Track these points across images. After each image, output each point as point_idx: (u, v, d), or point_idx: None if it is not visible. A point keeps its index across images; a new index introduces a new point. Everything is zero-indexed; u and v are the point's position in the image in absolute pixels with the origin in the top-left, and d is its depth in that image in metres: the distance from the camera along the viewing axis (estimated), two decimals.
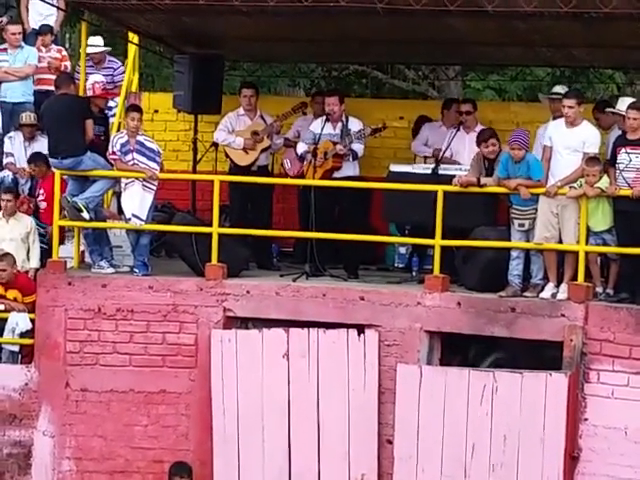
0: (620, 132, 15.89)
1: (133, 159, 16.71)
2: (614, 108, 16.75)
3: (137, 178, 16.67)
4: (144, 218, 16.59)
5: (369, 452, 15.40)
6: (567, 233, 15.26)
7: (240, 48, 19.97)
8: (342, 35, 18.48)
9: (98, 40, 19.15)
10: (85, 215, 16.32)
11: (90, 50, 18.87)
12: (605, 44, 17.69)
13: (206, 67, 18.50)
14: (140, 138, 16.90)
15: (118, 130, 18.26)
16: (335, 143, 16.97)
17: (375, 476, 15.31)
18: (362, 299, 15.66)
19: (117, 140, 16.83)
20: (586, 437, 14.64)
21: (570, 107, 15.45)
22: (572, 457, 14.68)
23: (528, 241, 15.66)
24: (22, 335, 16.26)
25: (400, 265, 17.63)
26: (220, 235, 16.08)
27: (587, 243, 15.18)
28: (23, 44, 18.99)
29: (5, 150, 18.60)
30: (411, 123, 18.81)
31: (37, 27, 19.36)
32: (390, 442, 15.32)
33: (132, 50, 19.36)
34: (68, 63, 18.75)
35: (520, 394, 14.76)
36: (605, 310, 14.83)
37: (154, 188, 16.77)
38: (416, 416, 15.13)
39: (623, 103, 15.98)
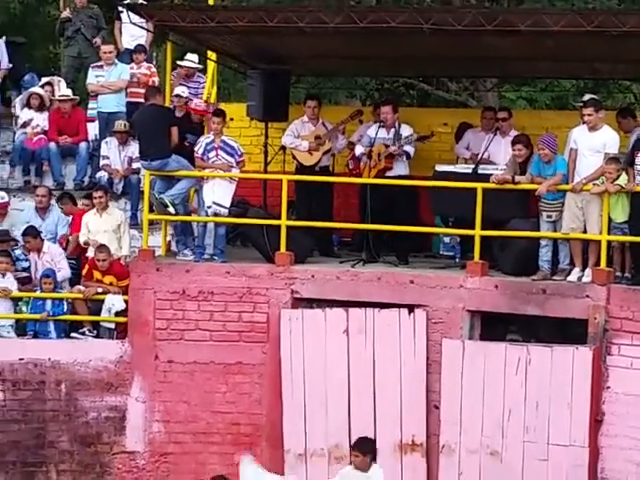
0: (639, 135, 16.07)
1: (217, 155, 16.91)
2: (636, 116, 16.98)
3: (220, 169, 16.84)
4: (227, 206, 16.80)
5: (419, 416, 15.56)
6: (591, 224, 15.38)
7: (304, 64, 19.99)
8: (393, 52, 18.51)
9: (195, 57, 19.36)
10: (171, 210, 16.53)
11: (187, 64, 19.25)
12: (624, 58, 17.68)
13: (275, 81, 18.42)
14: (224, 137, 17.12)
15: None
16: (387, 146, 17.09)
17: (424, 437, 15.47)
18: (412, 282, 15.88)
19: (203, 141, 17.06)
20: (608, 403, 14.82)
21: (589, 115, 15.66)
22: (596, 420, 14.84)
23: (556, 231, 15.77)
24: (117, 314, 16.52)
25: (445, 253, 17.62)
26: (288, 227, 16.27)
27: (609, 233, 15.29)
28: (117, 61, 19.05)
29: (102, 154, 18.62)
30: (454, 129, 18.84)
31: (130, 47, 19.42)
32: (437, 407, 15.51)
33: (211, 66, 19.39)
34: (156, 78, 18.79)
35: (550, 365, 14.93)
36: (625, 292, 15.01)
37: (235, 180, 16.97)
38: (459, 385, 15.33)
39: None
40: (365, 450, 12.72)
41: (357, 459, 12.61)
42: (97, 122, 19.15)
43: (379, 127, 17.25)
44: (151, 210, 16.84)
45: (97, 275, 16.79)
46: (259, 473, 13.74)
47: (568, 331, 15.53)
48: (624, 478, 14.74)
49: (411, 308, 15.70)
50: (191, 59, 19.43)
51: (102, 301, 16.64)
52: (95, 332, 16.80)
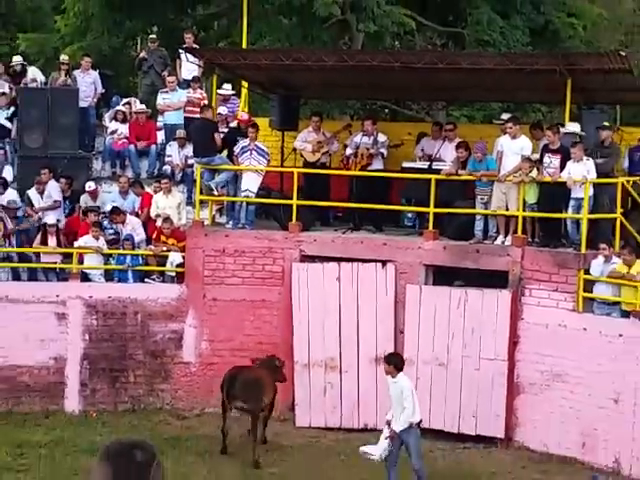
0: (545, 142, 16.14)
1: (251, 154, 16.84)
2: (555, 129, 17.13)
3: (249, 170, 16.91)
4: (254, 191, 16.80)
5: (389, 338, 15.64)
6: (511, 204, 15.55)
7: (309, 90, 19.91)
8: (372, 82, 18.63)
9: (229, 86, 19.20)
10: (215, 192, 16.76)
11: (223, 92, 19.10)
12: (535, 87, 17.68)
13: (288, 102, 18.24)
14: (257, 143, 17.10)
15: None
16: (368, 149, 17.06)
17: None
18: (384, 244, 16.04)
19: (241, 144, 17.00)
20: (522, 330, 15.00)
21: (510, 127, 15.97)
22: (514, 342, 14.97)
23: (487, 209, 15.86)
24: (177, 266, 16.59)
25: (408, 224, 17.52)
26: (297, 205, 16.33)
27: (523, 210, 15.38)
28: (178, 88, 19.10)
29: (167, 153, 18.62)
30: (414, 137, 18.54)
31: (187, 78, 19.37)
32: (402, 332, 15.56)
33: (244, 92, 19.42)
34: (206, 100, 18.81)
35: (482, 303, 15.17)
36: (534, 252, 15.17)
37: (262, 173, 16.93)
38: (418, 316, 15.44)
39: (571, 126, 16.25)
40: (390, 361, 12.81)
41: (385, 367, 12.78)
42: (163, 131, 19.14)
43: (363, 135, 17.29)
44: (201, 192, 16.87)
45: (163, 238, 16.84)
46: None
47: (494, 279, 15.42)
48: (531, 381, 14.87)
49: (384, 263, 15.82)
50: (226, 87, 19.31)
51: (166, 257, 16.74)
52: (161, 278, 16.91)
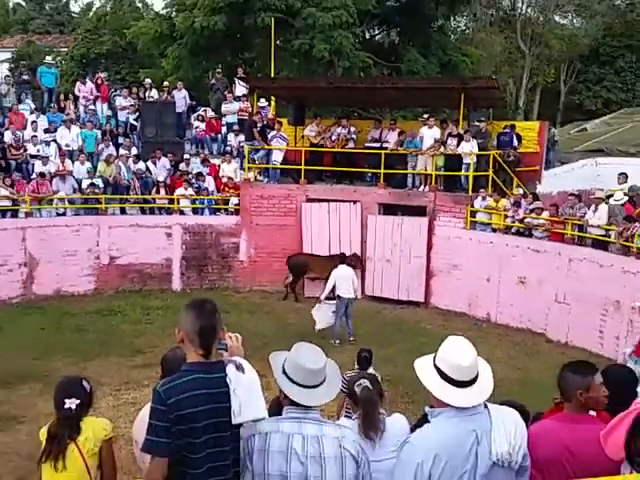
0: (449, 131, 16.08)
1: (277, 140, 16.90)
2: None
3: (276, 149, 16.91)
4: (280, 160, 16.79)
5: (357, 247, 15.67)
6: (429, 167, 15.55)
7: (312, 101, 19.47)
8: (347, 96, 18.44)
9: (263, 99, 19.14)
10: (256, 162, 16.79)
11: (260, 104, 19.03)
12: (447, 98, 17.33)
13: (299, 108, 18.11)
14: (280, 132, 17.03)
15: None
16: (345, 136, 17.00)
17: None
18: (355, 191, 16.06)
19: (270, 134, 16.94)
20: (434, 240, 15.17)
21: (430, 122, 16.00)
22: (429, 247, 15.15)
23: (415, 169, 15.88)
24: (235, 205, 16.56)
25: (369, 180, 17.03)
26: (304, 169, 16.31)
27: (436, 171, 15.46)
28: (233, 101, 18.98)
29: (228, 140, 18.55)
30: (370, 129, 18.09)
31: (239, 94, 19.26)
32: (365, 242, 15.60)
33: (273, 102, 19.25)
34: (250, 109, 18.69)
35: (411, 225, 15.22)
36: (441, 195, 15.27)
37: (283, 151, 16.85)
38: (374, 235, 15.53)
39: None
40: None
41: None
42: (225, 127, 19.02)
43: (342, 127, 17.15)
44: (247, 162, 16.69)
45: (226, 189, 16.86)
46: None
47: (418, 211, 15.40)
48: (439, 269, 15.12)
49: (355, 202, 15.81)
50: (262, 101, 19.05)
51: (228, 200, 16.72)
52: (226, 212, 16.83)
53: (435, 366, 2.76)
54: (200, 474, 2.68)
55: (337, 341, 12.36)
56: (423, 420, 3.01)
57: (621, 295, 11.57)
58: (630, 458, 2.53)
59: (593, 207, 12.91)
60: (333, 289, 12.52)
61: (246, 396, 2.79)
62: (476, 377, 2.72)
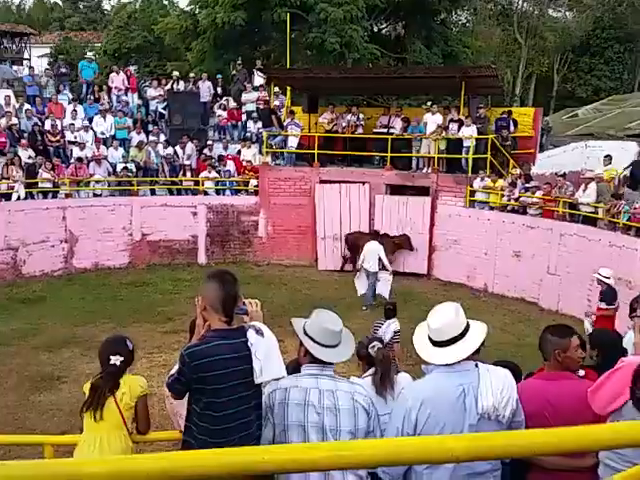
0: (450, 117, 15.99)
1: (292, 127, 16.73)
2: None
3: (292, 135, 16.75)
4: (295, 146, 16.67)
5: (365, 224, 15.59)
6: (432, 151, 15.41)
7: (324, 90, 19.26)
8: (357, 85, 18.29)
9: (276, 88, 18.74)
10: (274, 147, 16.66)
11: (275, 91, 18.78)
12: (447, 87, 17.34)
13: (312, 97, 18.07)
14: (295, 120, 16.85)
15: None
16: (355, 122, 16.87)
17: (368, 228, 15.49)
18: (364, 173, 15.93)
19: (287, 121, 16.83)
20: (436, 217, 15.11)
21: (433, 109, 15.91)
22: (432, 224, 15.08)
23: (419, 153, 15.77)
24: (254, 186, 16.43)
25: (376, 162, 16.72)
26: (318, 153, 16.20)
27: (438, 154, 15.39)
28: (252, 91, 18.86)
29: (247, 127, 18.49)
30: (378, 115, 17.87)
31: (257, 85, 19.16)
32: (373, 219, 15.48)
33: (288, 91, 18.86)
34: (267, 98, 18.53)
35: (416, 204, 15.14)
36: (443, 176, 15.14)
37: (298, 136, 16.70)
38: (382, 212, 15.42)
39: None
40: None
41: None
42: (245, 114, 18.87)
43: (352, 115, 17.04)
44: (266, 147, 16.58)
45: (246, 172, 16.81)
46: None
47: (422, 191, 15.33)
48: (441, 244, 15.08)
49: (364, 183, 15.71)
50: (276, 89, 18.72)
51: (248, 181, 16.65)
52: (246, 193, 16.74)
53: (428, 328, 2.84)
54: (227, 428, 2.75)
55: (364, 307, 12.64)
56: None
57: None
58: (637, 404, 2.51)
59: (583, 186, 12.78)
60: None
61: (266, 358, 2.83)
62: (456, 338, 2.74)
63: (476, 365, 2.77)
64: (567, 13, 38.72)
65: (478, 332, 2.82)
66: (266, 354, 2.83)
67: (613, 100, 26.73)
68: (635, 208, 11.38)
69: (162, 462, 1.39)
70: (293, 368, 3.25)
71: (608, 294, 8.75)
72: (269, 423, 2.82)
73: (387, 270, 12.74)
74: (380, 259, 12.63)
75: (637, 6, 33.77)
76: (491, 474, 2.71)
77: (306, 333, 2.88)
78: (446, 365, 2.71)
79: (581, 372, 3.51)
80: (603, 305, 8.85)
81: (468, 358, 2.75)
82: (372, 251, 12.64)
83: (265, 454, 1.54)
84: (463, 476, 2.65)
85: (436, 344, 2.76)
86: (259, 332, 2.90)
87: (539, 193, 13.56)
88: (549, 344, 3.09)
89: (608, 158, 14.40)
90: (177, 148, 17.22)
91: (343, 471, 2.73)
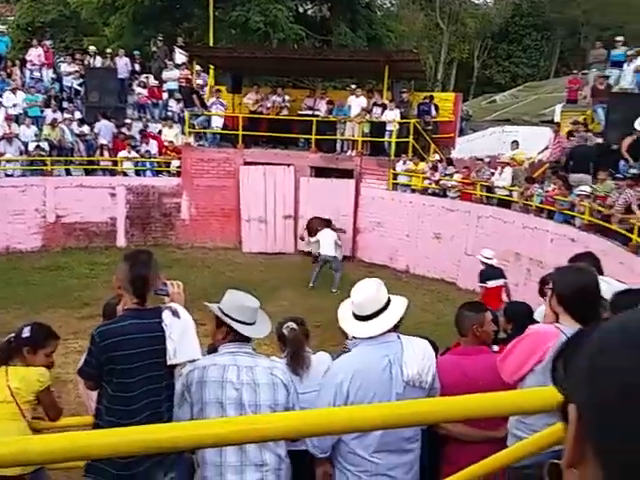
0: (374, 100, 16.28)
1: (216, 107, 16.57)
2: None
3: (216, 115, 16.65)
4: (220, 126, 16.54)
5: (290, 205, 15.72)
6: (356, 133, 15.53)
7: (248, 70, 18.95)
8: (282, 66, 18.09)
9: (198, 67, 18.61)
10: (196, 126, 16.46)
11: (197, 69, 18.44)
12: (368, 70, 17.38)
13: (236, 77, 17.79)
14: (220, 99, 16.64)
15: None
16: (280, 104, 16.95)
17: (293, 211, 15.67)
18: (288, 155, 15.90)
19: (210, 100, 16.56)
20: (360, 200, 15.26)
21: (358, 92, 16.03)
22: (356, 206, 15.18)
23: (343, 135, 16.02)
24: (177, 167, 16.19)
25: (301, 145, 16.56)
26: (242, 134, 15.98)
27: (362, 137, 15.63)
28: (174, 68, 18.35)
29: (169, 105, 18.03)
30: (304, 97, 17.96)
31: (179, 62, 18.59)
32: (297, 202, 15.56)
33: (211, 70, 18.73)
34: (190, 76, 17.92)
35: (340, 186, 15.22)
36: (367, 159, 15.31)
37: (222, 117, 16.54)
38: (307, 194, 15.47)
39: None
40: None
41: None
42: (167, 93, 18.30)
43: (277, 95, 17.01)
44: (188, 127, 16.49)
45: (168, 152, 16.47)
46: None
47: (346, 174, 15.40)
48: (365, 227, 15.25)
49: (288, 165, 15.68)
50: (197, 67, 18.45)
51: (170, 162, 16.36)
52: (168, 174, 16.44)
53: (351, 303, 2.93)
54: (137, 408, 2.75)
55: (310, 284, 12.87)
56: (342, 354, 3.20)
57: (521, 247, 12.06)
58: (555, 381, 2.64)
59: (499, 170, 13.28)
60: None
61: (181, 339, 2.84)
62: (378, 312, 2.84)
63: (398, 337, 2.88)
64: (487, 0, 39.74)
65: (399, 306, 2.92)
66: (181, 335, 2.84)
67: (529, 87, 27.82)
68: (547, 191, 11.94)
69: (63, 442, 1.36)
70: (210, 352, 3.25)
71: (485, 273, 9.01)
72: (186, 403, 2.82)
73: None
74: (337, 245, 12.87)
75: None
76: (414, 439, 2.86)
77: (224, 313, 2.89)
78: (371, 338, 2.80)
79: (495, 347, 3.67)
80: (488, 284, 9.09)
81: (390, 330, 2.85)
82: (329, 237, 12.84)
83: (177, 430, 1.55)
84: (390, 442, 2.77)
85: (360, 318, 2.85)
86: (175, 313, 2.92)
87: (458, 176, 13.97)
88: (467, 320, 3.24)
89: (515, 143, 14.97)
90: (95, 126, 16.61)
91: (261, 450, 2.78)
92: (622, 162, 11.66)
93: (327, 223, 13.65)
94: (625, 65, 14.44)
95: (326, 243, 12.76)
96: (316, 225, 14.13)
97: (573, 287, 2.58)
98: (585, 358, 0.63)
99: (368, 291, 2.90)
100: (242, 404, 2.74)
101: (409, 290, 12.88)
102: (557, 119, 16.04)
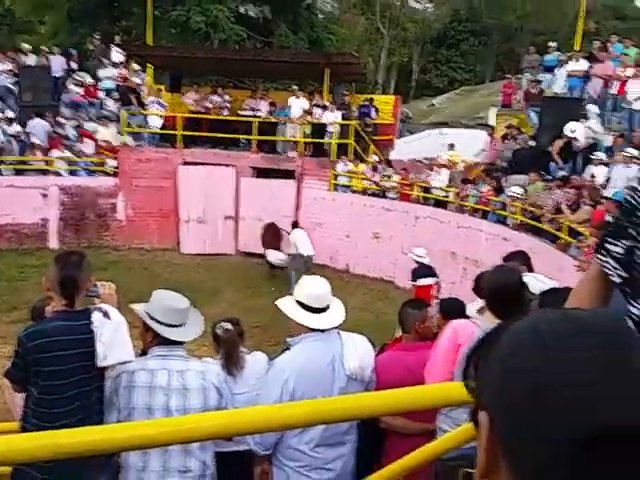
0: (315, 102, 16.47)
1: (155, 105, 16.22)
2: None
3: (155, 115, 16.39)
4: (159, 126, 16.25)
5: (230, 203, 15.58)
6: (297, 134, 15.60)
7: (189, 70, 18.94)
8: (223, 66, 17.96)
9: (136, 66, 18.01)
10: (134, 126, 16.18)
11: (134, 67, 17.96)
12: (309, 72, 17.59)
13: (175, 76, 17.83)
14: (159, 99, 16.42)
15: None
16: (220, 104, 16.81)
17: (234, 212, 15.58)
18: (229, 156, 15.75)
19: (149, 99, 16.34)
20: (302, 201, 15.27)
21: (297, 93, 16.14)
22: (297, 207, 15.19)
23: (284, 136, 16.08)
24: (113, 168, 15.72)
25: (242, 145, 16.47)
26: (182, 135, 15.83)
27: (303, 138, 15.90)
28: (110, 67, 17.98)
29: (105, 104, 17.53)
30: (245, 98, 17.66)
31: (116, 61, 18.12)
32: (238, 199, 15.75)
33: (149, 69, 18.42)
34: (127, 75, 17.47)
35: (281, 187, 15.22)
36: (308, 160, 15.41)
37: (162, 117, 16.27)
38: (248, 194, 15.35)
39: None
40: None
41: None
42: (104, 92, 17.68)
43: (217, 96, 16.87)
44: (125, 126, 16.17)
45: (104, 152, 16.05)
46: None
47: (288, 174, 15.41)
48: (307, 228, 14.72)
49: (229, 166, 15.54)
50: (135, 66, 17.94)
51: (105, 163, 15.96)
52: (104, 174, 15.98)
53: (296, 300, 2.92)
54: (65, 411, 2.70)
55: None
56: (284, 351, 3.19)
57: (457, 247, 12.37)
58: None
59: (436, 171, 13.59)
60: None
61: (111, 341, 2.80)
62: (328, 306, 2.91)
63: (338, 333, 2.94)
64: (427, 5, 40.52)
65: (338, 302, 3.00)
66: (112, 337, 2.81)
67: (466, 90, 28.58)
68: (482, 192, 12.29)
69: None
70: (141, 355, 3.17)
71: (417, 271, 9.26)
72: (114, 408, 2.77)
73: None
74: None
75: (491, 0, 35.85)
76: (351, 431, 2.91)
77: (150, 316, 2.83)
78: (314, 333, 2.84)
79: None
80: (419, 282, 9.32)
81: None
82: (304, 236, 12.83)
83: (102, 433, 1.52)
84: (329, 436, 2.82)
85: (313, 311, 2.87)
86: (106, 315, 2.88)
87: (397, 177, 14.21)
88: (410, 317, 3.35)
89: (451, 146, 15.30)
90: (28, 125, 16.05)
91: (185, 455, 2.75)
92: (552, 164, 12.11)
93: (295, 224, 13.51)
94: (557, 70, 14.90)
95: (304, 243, 12.69)
96: (270, 235, 14.11)
97: (494, 285, 2.70)
98: (495, 361, 0.62)
99: (320, 285, 2.95)
100: (169, 410, 2.70)
101: (349, 289, 13.05)
102: (492, 122, 16.54)
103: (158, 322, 2.81)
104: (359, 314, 10.41)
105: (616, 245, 1.44)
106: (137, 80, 17.88)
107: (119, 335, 2.84)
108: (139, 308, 2.88)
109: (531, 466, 0.56)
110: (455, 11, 37.58)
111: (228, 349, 3.46)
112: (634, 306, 1.42)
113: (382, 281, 14.02)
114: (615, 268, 1.44)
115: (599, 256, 1.48)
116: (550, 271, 5.94)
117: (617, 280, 1.45)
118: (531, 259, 3.94)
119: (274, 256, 13.50)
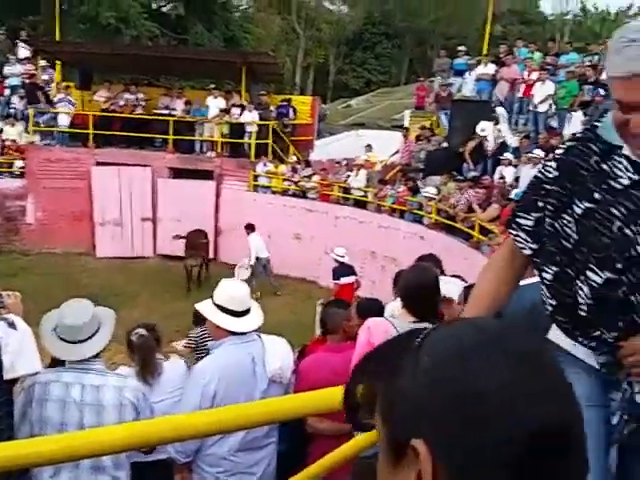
0: (233, 102, 16.26)
1: (64, 104, 15.50)
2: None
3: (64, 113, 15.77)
4: (67, 124, 15.52)
5: (149, 207, 15.17)
6: (215, 134, 15.33)
7: (100, 66, 18.14)
8: (135, 63, 17.35)
9: (44, 62, 17.36)
10: (42, 125, 15.49)
11: (42, 64, 17.34)
12: (226, 71, 17.30)
13: (85, 73, 17.16)
14: (69, 97, 15.68)
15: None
16: (133, 102, 16.24)
17: (151, 214, 15.19)
18: (145, 156, 15.33)
19: (58, 97, 15.48)
20: (221, 202, 15.11)
21: (214, 92, 15.81)
22: (216, 208, 14.97)
23: (202, 137, 15.88)
24: (20, 168, 15.18)
25: (158, 145, 15.83)
26: (94, 134, 15.32)
27: (221, 138, 15.78)
28: (16, 63, 17.02)
29: (12, 102, 16.76)
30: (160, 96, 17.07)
31: (22, 57, 17.29)
32: (155, 204, 15.31)
33: (58, 66, 17.57)
34: (34, 72, 16.88)
35: (199, 187, 14.95)
36: (227, 160, 15.21)
37: (71, 116, 15.62)
38: (164, 195, 15.00)
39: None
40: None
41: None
42: (9, 89, 16.91)
43: (130, 94, 16.35)
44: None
45: (10, 152, 15.50)
46: None
47: (206, 175, 15.02)
48: (226, 227, 15.02)
49: (145, 166, 15.16)
50: (43, 62, 17.28)
51: (12, 163, 15.40)
52: (10, 175, 15.42)
53: (214, 304, 2.90)
54: None
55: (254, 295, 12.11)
56: (206, 355, 3.22)
57: (376, 246, 12.58)
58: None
59: (355, 172, 13.78)
60: None
61: (18, 352, 2.66)
62: (249, 310, 2.92)
63: (259, 335, 2.95)
64: (341, 6, 40.93)
65: (257, 306, 3.00)
66: (19, 348, 2.66)
67: (382, 92, 29.16)
68: (399, 192, 12.57)
69: None
70: (56, 363, 3.00)
71: (338, 271, 9.43)
72: (26, 421, 2.63)
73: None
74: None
75: (403, 3, 36.57)
76: (271, 434, 2.92)
77: (55, 331, 2.69)
78: (234, 337, 2.83)
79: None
80: (341, 281, 9.46)
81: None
82: (259, 240, 12.74)
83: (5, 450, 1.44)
84: (251, 440, 2.81)
85: (234, 314, 2.86)
86: (11, 325, 2.73)
87: (316, 178, 14.30)
88: (337, 317, 3.32)
89: (369, 147, 15.51)
90: None
91: (96, 473, 2.65)
92: (465, 165, 12.55)
93: (252, 227, 13.14)
94: (467, 74, 15.36)
95: (260, 246, 12.64)
96: (195, 240, 13.65)
97: (410, 284, 2.75)
98: (419, 378, 0.61)
99: (240, 289, 2.97)
100: (83, 426, 2.57)
101: (272, 290, 13.02)
102: (406, 124, 16.89)
103: (61, 339, 2.67)
104: (282, 315, 10.41)
105: (526, 218, 1.52)
106: (45, 77, 17.20)
107: (27, 346, 2.70)
108: (45, 326, 2.72)
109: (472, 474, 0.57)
110: (369, 14, 38.18)
111: (143, 356, 3.34)
112: (546, 272, 1.50)
113: (305, 281, 14.05)
114: (526, 241, 1.53)
115: (511, 230, 1.56)
116: (463, 268, 6.16)
117: (528, 252, 1.54)
118: (442, 262, 4.06)
119: (243, 275, 12.89)
